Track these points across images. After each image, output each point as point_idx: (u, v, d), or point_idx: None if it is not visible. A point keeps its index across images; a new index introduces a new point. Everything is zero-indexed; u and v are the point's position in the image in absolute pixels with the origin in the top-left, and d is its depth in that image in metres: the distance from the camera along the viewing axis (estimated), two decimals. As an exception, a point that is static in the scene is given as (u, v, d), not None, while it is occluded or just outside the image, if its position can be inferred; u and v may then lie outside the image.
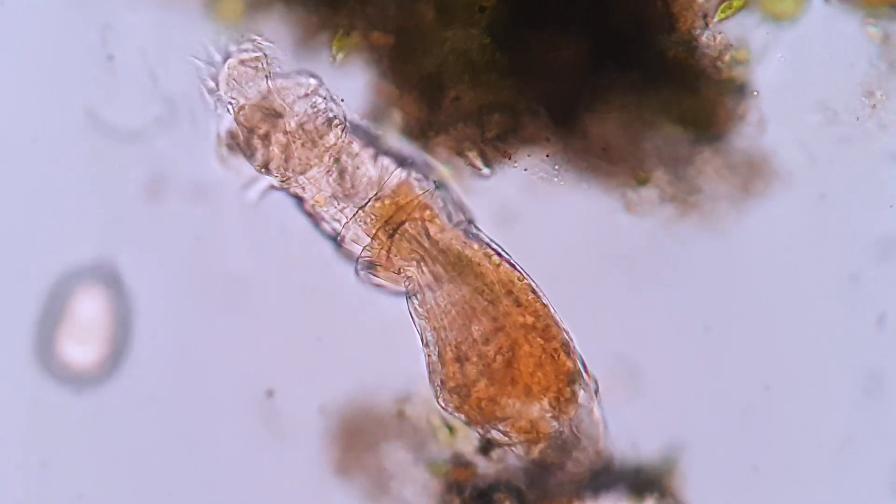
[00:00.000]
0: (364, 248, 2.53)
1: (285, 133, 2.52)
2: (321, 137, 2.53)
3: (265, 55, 2.54)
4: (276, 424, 2.60)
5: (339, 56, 2.58)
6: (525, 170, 2.58)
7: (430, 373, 2.55)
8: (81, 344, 2.61)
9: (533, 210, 2.60)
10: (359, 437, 2.58)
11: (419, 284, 2.53)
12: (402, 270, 2.53)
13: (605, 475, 2.57)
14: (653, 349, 2.59)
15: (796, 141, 2.58)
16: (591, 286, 2.59)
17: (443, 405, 2.53)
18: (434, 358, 2.53)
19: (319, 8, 2.57)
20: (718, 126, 2.57)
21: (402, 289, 2.55)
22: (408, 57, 2.58)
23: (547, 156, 2.57)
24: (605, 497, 2.58)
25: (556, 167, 2.57)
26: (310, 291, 2.60)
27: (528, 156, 2.57)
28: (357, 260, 2.55)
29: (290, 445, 2.60)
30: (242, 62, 2.54)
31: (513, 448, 2.54)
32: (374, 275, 2.55)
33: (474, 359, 2.51)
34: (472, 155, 2.59)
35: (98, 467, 2.60)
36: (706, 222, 2.58)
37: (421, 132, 2.59)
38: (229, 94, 2.53)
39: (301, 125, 2.52)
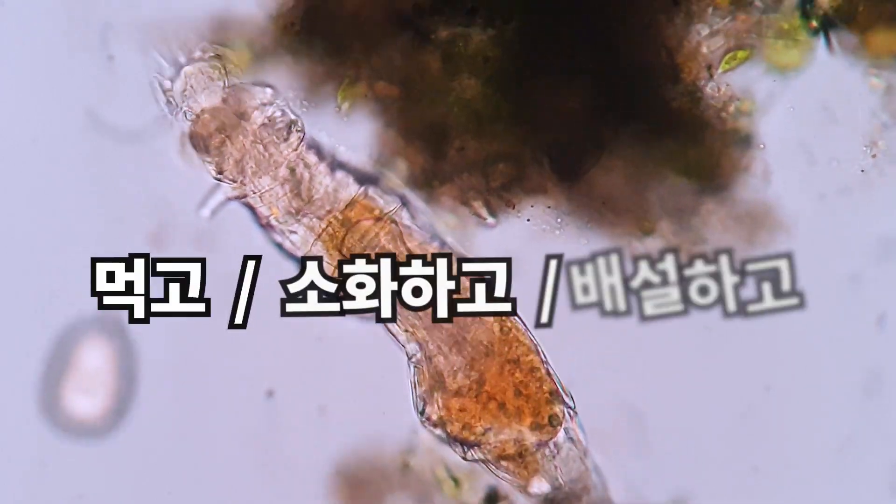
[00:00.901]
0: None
1: (241, 141, 2.52)
2: (277, 146, 2.53)
3: (223, 63, 2.55)
4: (276, 425, 2.59)
5: (345, 106, 2.59)
6: (528, 220, 2.58)
7: (414, 385, 2.54)
8: (87, 395, 2.60)
9: (537, 259, 2.59)
10: (363, 490, 2.58)
11: None
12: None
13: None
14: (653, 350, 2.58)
15: (800, 191, 2.59)
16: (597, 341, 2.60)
17: (424, 420, 2.52)
18: (423, 368, 2.53)
19: (325, 58, 2.58)
20: (723, 177, 2.57)
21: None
22: (413, 107, 2.58)
23: (549, 207, 2.57)
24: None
25: (559, 220, 2.57)
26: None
27: (532, 206, 2.58)
28: None
29: (289, 445, 2.59)
30: (200, 70, 2.54)
31: (490, 465, 2.53)
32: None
33: (459, 374, 2.51)
34: (478, 204, 2.59)
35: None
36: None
37: (426, 182, 2.59)
38: (185, 102, 2.54)
39: (257, 133, 2.52)
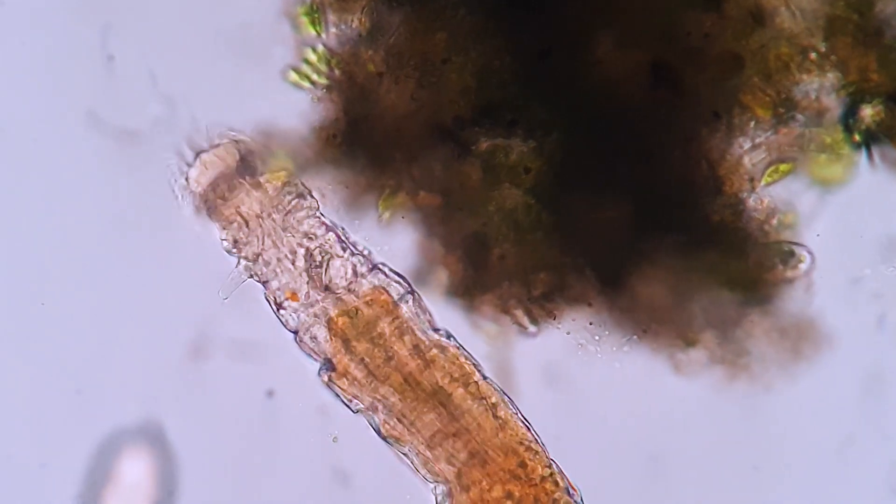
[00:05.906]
0: (331, 354, 2.52)
1: (253, 209, 2.51)
2: (292, 216, 2.52)
3: (238, 144, 2.55)
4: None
5: (386, 215, 2.60)
6: (568, 333, 2.57)
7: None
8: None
9: (578, 371, 2.59)
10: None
11: (381, 405, 2.52)
12: (358, 395, 2.51)
13: None
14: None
15: (842, 303, 2.58)
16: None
17: None
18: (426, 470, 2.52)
19: (367, 169, 2.59)
20: (766, 289, 2.56)
21: (359, 406, 2.53)
22: (454, 216, 2.59)
23: (591, 323, 2.56)
24: None
25: (598, 336, 2.56)
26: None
27: (573, 319, 2.57)
28: (323, 364, 2.53)
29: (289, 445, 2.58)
30: (216, 155, 2.54)
31: None
32: (334, 383, 2.53)
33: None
34: (519, 313, 2.59)
35: None
36: (755, 383, 2.57)
37: (466, 290, 2.59)
38: (199, 185, 2.54)
39: (269, 203, 2.52)
